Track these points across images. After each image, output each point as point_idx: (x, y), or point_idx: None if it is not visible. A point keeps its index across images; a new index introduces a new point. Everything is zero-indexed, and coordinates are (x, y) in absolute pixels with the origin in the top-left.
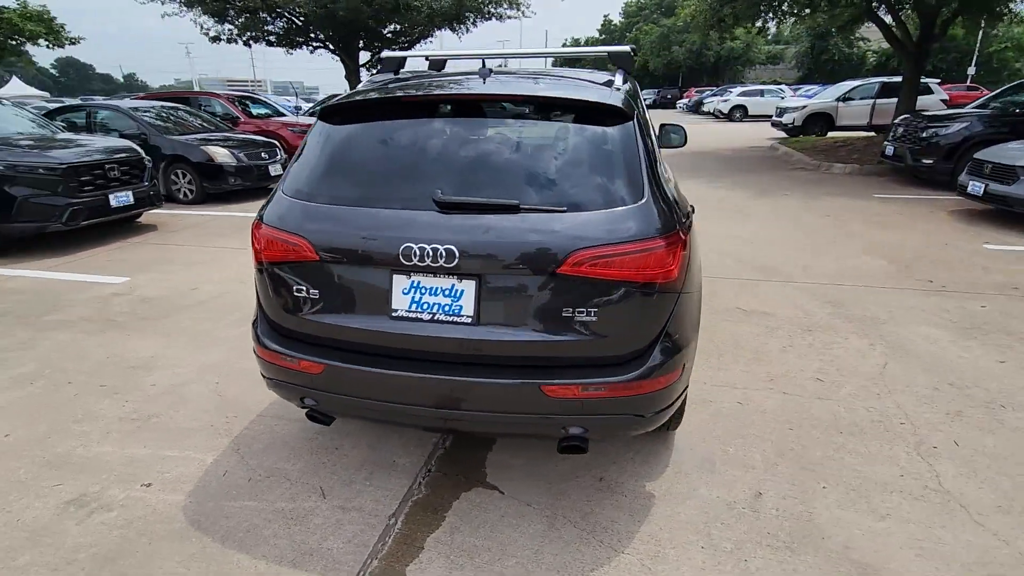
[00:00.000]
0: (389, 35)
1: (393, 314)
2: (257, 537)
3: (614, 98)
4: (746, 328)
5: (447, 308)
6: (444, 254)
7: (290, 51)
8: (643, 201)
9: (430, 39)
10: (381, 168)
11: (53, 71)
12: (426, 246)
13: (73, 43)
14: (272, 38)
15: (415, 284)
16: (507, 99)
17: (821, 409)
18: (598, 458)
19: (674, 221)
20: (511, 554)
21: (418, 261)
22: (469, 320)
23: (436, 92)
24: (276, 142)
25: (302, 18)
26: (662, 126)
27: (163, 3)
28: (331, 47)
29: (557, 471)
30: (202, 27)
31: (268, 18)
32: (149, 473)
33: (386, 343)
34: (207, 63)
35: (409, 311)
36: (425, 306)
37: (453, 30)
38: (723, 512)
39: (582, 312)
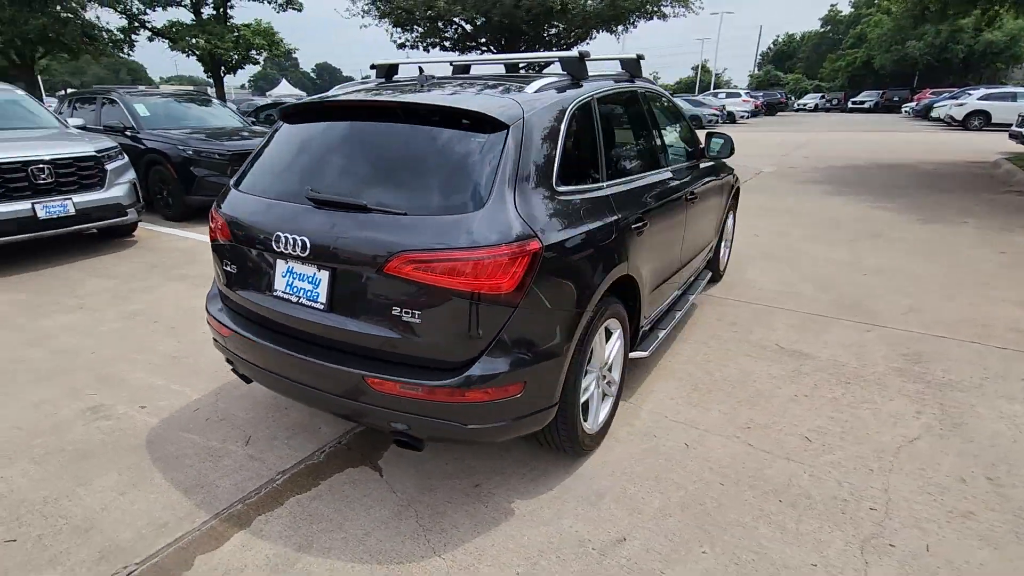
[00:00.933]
0: (549, 38)
1: (275, 293)
2: (178, 464)
3: (498, 107)
4: (765, 367)
5: (308, 293)
6: (301, 244)
7: (460, 55)
8: (481, 211)
9: (587, 41)
10: (285, 165)
11: (312, 74)
12: (292, 236)
13: (290, 53)
14: (447, 43)
15: (290, 269)
16: (393, 107)
17: (780, 471)
18: (487, 466)
19: (519, 235)
20: (345, 529)
21: (286, 248)
22: (322, 307)
23: (331, 100)
24: None
25: (469, 25)
26: (707, 135)
27: (362, 16)
28: (494, 51)
29: (444, 470)
30: (391, 35)
31: (442, 26)
32: (150, 398)
33: (269, 317)
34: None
35: (285, 292)
36: (294, 289)
37: (611, 31)
38: (568, 548)
39: (408, 313)
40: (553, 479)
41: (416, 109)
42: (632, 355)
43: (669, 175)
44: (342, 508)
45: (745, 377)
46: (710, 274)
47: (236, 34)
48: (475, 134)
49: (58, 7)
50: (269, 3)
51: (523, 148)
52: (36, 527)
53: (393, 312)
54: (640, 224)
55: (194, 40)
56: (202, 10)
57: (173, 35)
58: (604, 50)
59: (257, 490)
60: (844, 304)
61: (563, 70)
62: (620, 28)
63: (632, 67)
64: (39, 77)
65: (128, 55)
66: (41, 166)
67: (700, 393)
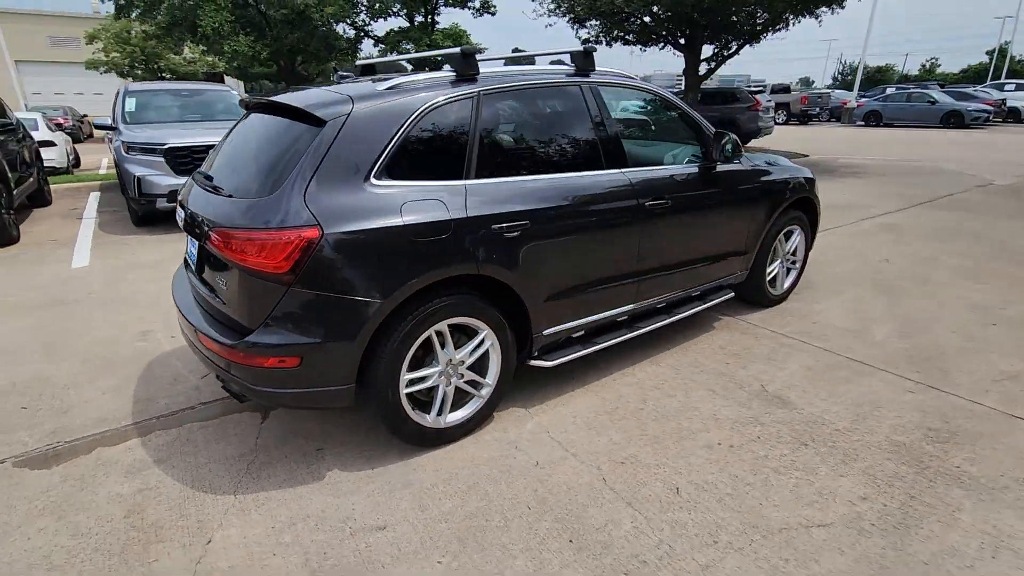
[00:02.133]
0: (735, 27)
1: (188, 257)
2: (151, 380)
3: (324, 104)
4: (718, 407)
5: (193, 258)
6: (183, 218)
7: (643, 49)
8: (271, 197)
9: (780, 28)
10: (218, 152)
11: None
12: (182, 211)
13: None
14: (630, 37)
15: (189, 238)
16: (265, 104)
17: (606, 513)
18: (343, 438)
19: (298, 222)
20: (197, 455)
21: (181, 223)
22: (195, 271)
23: (252, 98)
24: None
25: (648, 18)
26: (716, 134)
27: (548, 16)
28: (673, 43)
29: (309, 429)
30: (575, 32)
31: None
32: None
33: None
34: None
35: (190, 256)
36: (191, 255)
37: (810, 15)
38: (331, 521)
39: (222, 279)
40: (384, 461)
41: (274, 106)
42: (533, 362)
43: (616, 177)
44: (212, 440)
45: (680, 412)
46: (730, 293)
47: (430, 39)
48: (300, 128)
49: (309, 25)
50: (467, 8)
51: (336, 143)
52: (42, 404)
53: (217, 278)
54: (519, 224)
55: (404, 45)
56: (415, 18)
57: (389, 41)
58: (810, 36)
59: (174, 412)
60: (913, 356)
61: (451, 68)
62: (824, 9)
63: (579, 60)
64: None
65: (357, 60)
66: None
67: (611, 418)
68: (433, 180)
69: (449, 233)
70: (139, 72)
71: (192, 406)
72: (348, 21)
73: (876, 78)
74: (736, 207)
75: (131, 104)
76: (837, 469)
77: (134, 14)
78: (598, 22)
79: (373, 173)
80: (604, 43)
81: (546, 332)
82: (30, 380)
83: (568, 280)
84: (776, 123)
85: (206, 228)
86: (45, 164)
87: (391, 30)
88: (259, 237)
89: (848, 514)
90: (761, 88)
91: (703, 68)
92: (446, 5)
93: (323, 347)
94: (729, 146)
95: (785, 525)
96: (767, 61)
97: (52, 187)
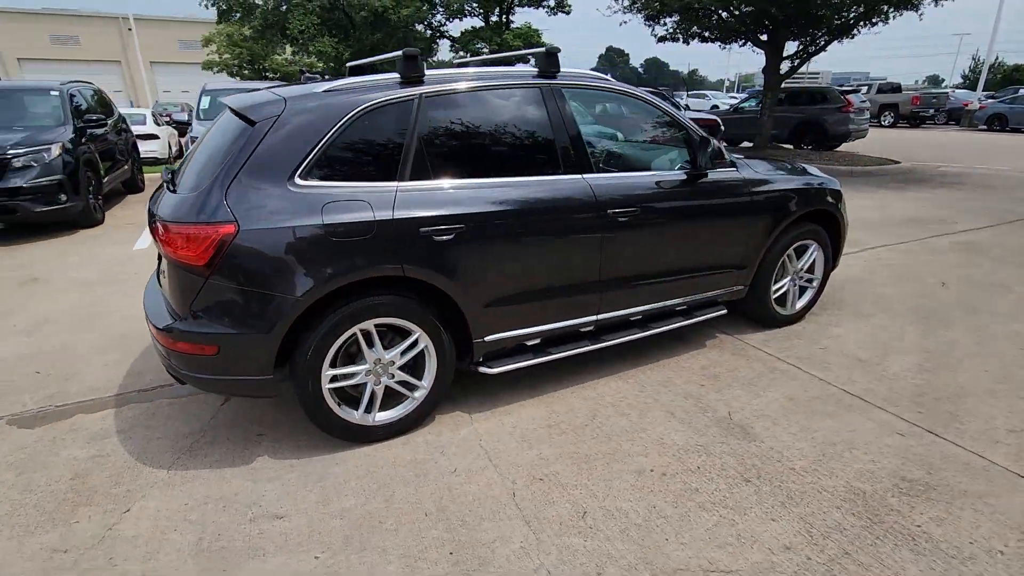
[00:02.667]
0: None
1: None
2: (149, 355)
3: (258, 106)
4: (669, 431)
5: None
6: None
7: (723, 46)
8: (196, 194)
9: (874, 22)
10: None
11: (640, 69)
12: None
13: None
14: (708, 33)
15: None
16: (227, 106)
17: (502, 529)
18: (291, 427)
19: (215, 218)
20: (152, 428)
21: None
22: (158, 265)
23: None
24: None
25: (726, 12)
26: (701, 140)
27: (623, 13)
28: (753, 39)
29: (263, 415)
30: (652, 30)
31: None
32: None
33: None
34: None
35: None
36: None
37: (914, 8)
38: (218, 502)
39: (164, 271)
40: (312, 453)
41: (229, 106)
42: (482, 370)
43: (573, 183)
44: (174, 417)
45: (626, 433)
46: (722, 310)
47: (501, 38)
48: (238, 128)
49: (388, 26)
50: (542, 7)
51: (262, 143)
52: (53, 371)
53: (162, 269)
54: (452, 228)
55: (478, 44)
56: (491, 18)
57: (461, 41)
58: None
59: (153, 388)
60: (924, 394)
61: (397, 71)
62: (927, 1)
63: (542, 61)
64: None
65: (431, 60)
66: None
67: (551, 431)
68: (362, 181)
69: (371, 234)
70: (246, 72)
71: (170, 383)
72: (424, 22)
73: (1014, 77)
74: (726, 218)
75: (205, 102)
76: (771, 512)
77: (234, 18)
78: (674, 18)
79: (298, 173)
80: (682, 40)
81: (489, 339)
82: (54, 349)
83: (513, 287)
84: (883, 125)
85: (154, 221)
86: (147, 155)
87: (465, 30)
88: (183, 231)
89: (761, 563)
90: (856, 88)
91: (785, 66)
92: (520, 5)
93: (238, 338)
94: (711, 153)
95: (683, 567)
96: (889, 57)
97: (150, 175)
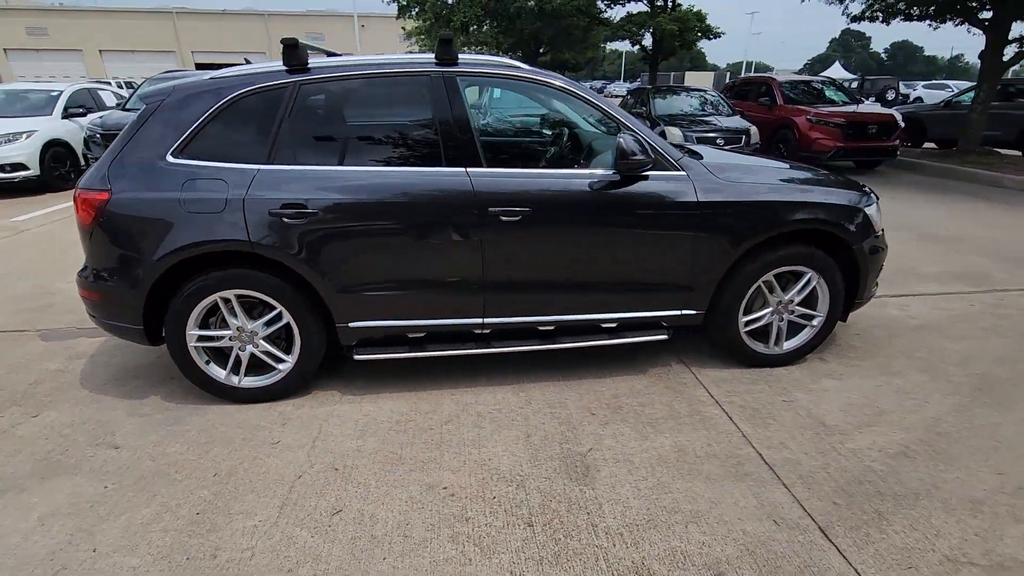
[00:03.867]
0: None
1: None
2: None
3: (157, 90)
4: (505, 454)
5: None
6: None
7: (932, 25)
8: (93, 165)
9: None
10: None
11: (883, 55)
12: None
13: (717, 37)
14: (913, 10)
15: None
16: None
17: (254, 498)
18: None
19: (96, 186)
20: (97, 363)
21: None
22: None
23: None
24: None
25: None
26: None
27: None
28: (970, 19)
29: None
30: (844, 7)
31: None
32: None
33: None
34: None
35: None
36: None
37: None
38: (91, 426)
39: None
40: (190, 402)
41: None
42: (358, 357)
43: (449, 177)
44: (125, 351)
45: (462, 444)
46: (663, 335)
47: (655, 23)
48: (139, 110)
49: (544, 15)
50: None
51: (145, 125)
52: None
53: None
54: (304, 212)
55: (642, 30)
56: (656, 1)
57: (615, 27)
58: None
59: None
60: (867, 484)
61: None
62: None
63: (437, 49)
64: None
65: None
66: None
67: (393, 426)
68: (228, 162)
69: (221, 211)
70: None
71: None
72: (582, 10)
73: None
74: (656, 231)
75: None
76: (520, 565)
77: (413, 12)
78: None
79: (171, 151)
80: (881, 18)
81: (352, 325)
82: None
83: (375, 277)
84: None
85: None
86: None
87: (632, 14)
88: (78, 195)
89: None
90: None
91: (1010, 52)
92: None
93: (113, 290)
94: (627, 153)
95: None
96: None
97: None
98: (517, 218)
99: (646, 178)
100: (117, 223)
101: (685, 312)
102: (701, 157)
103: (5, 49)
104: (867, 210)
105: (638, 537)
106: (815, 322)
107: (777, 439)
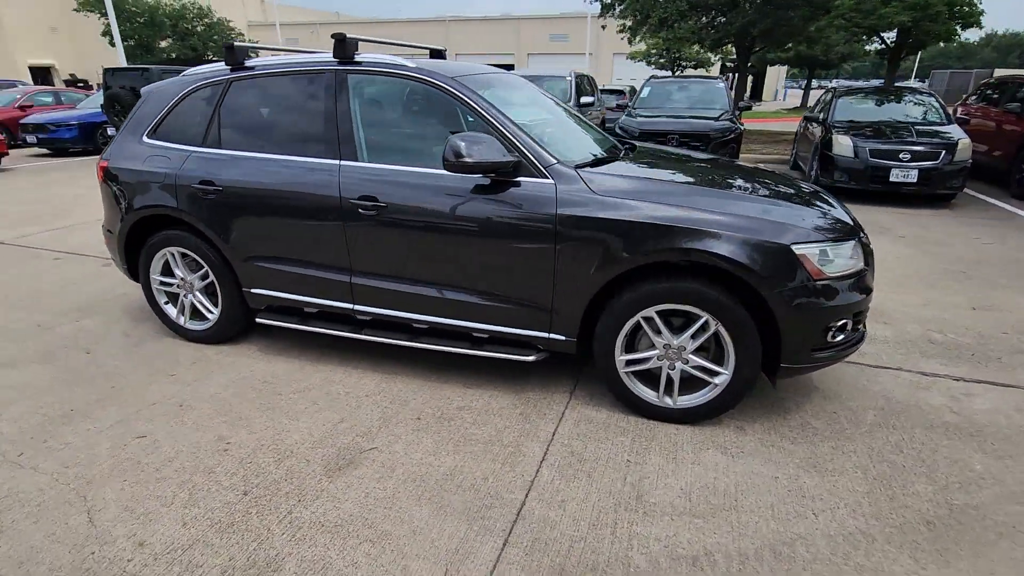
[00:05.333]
0: None
1: None
2: None
3: (152, 82)
4: (288, 432)
5: None
6: None
7: None
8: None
9: None
10: None
11: None
12: None
13: (976, 25)
14: None
15: None
16: None
17: (69, 428)
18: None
19: (104, 157)
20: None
21: None
22: None
23: None
24: None
25: None
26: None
27: None
28: None
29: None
30: None
31: None
32: None
33: None
34: None
35: None
36: None
37: None
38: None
39: None
40: (146, 334)
41: None
42: (258, 320)
43: (320, 168)
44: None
45: (268, 410)
46: (529, 356)
47: (882, 10)
48: None
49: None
50: None
51: (137, 111)
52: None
53: None
54: (212, 189)
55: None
56: None
57: (832, 17)
58: None
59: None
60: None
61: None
62: None
63: (335, 47)
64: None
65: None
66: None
67: (231, 386)
68: (174, 144)
69: (160, 182)
70: (662, 61)
71: None
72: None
73: None
74: (517, 240)
75: (646, 92)
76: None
77: (616, 11)
78: None
79: (146, 133)
80: None
81: (254, 291)
82: None
83: (265, 251)
84: None
85: None
86: None
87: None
88: (98, 163)
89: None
90: None
91: None
92: None
93: (108, 236)
94: (453, 154)
95: None
96: None
97: None
98: (372, 212)
99: (518, 184)
100: (108, 186)
101: (553, 336)
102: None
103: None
104: (800, 248)
105: (311, 536)
106: (718, 380)
107: (563, 497)
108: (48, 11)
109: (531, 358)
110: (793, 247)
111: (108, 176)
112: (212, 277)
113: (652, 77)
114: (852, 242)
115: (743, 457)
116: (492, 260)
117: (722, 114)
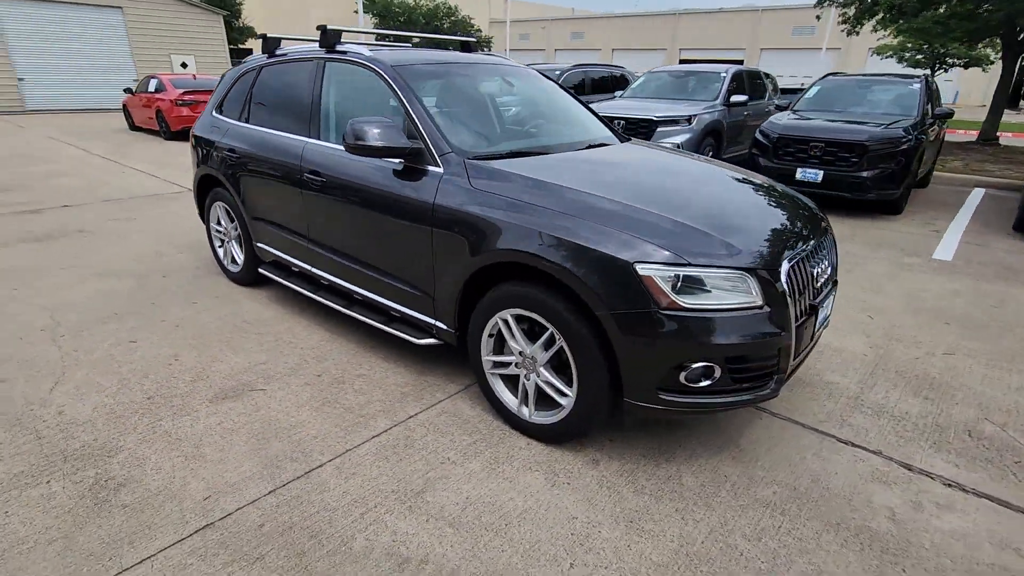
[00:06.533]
0: None
1: None
2: None
3: None
4: (222, 364)
5: None
6: None
7: None
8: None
9: None
10: None
11: None
12: None
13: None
14: None
15: None
16: None
17: (36, 341)
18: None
19: (194, 129)
20: None
21: None
22: None
23: None
24: None
25: None
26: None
27: None
28: None
29: None
30: None
31: None
32: None
33: None
34: None
35: None
36: None
37: None
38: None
39: None
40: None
41: None
42: (260, 270)
43: (292, 142)
44: None
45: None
46: (428, 340)
47: None
48: None
49: None
50: None
51: (216, 89)
52: None
53: None
54: (233, 156)
55: None
56: None
57: None
58: None
59: None
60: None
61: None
62: None
63: (322, 39)
64: None
65: None
66: None
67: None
68: (223, 117)
69: (212, 148)
70: (919, 58)
71: None
72: None
73: None
74: (408, 222)
75: (813, 91)
76: None
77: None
78: None
79: (214, 108)
80: None
81: (258, 246)
82: None
83: (260, 211)
84: None
85: None
86: None
87: None
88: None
89: None
90: None
91: None
92: None
93: (193, 187)
94: (353, 136)
95: None
96: None
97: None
98: (318, 184)
99: (426, 172)
100: (192, 149)
101: (439, 324)
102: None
103: (556, 49)
104: (645, 269)
105: (154, 440)
106: (564, 401)
107: (358, 471)
108: (335, 12)
109: (421, 341)
110: (637, 266)
111: (193, 141)
112: (240, 231)
113: (829, 74)
114: (739, 274)
115: (564, 489)
116: (394, 242)
117: (897, 121)
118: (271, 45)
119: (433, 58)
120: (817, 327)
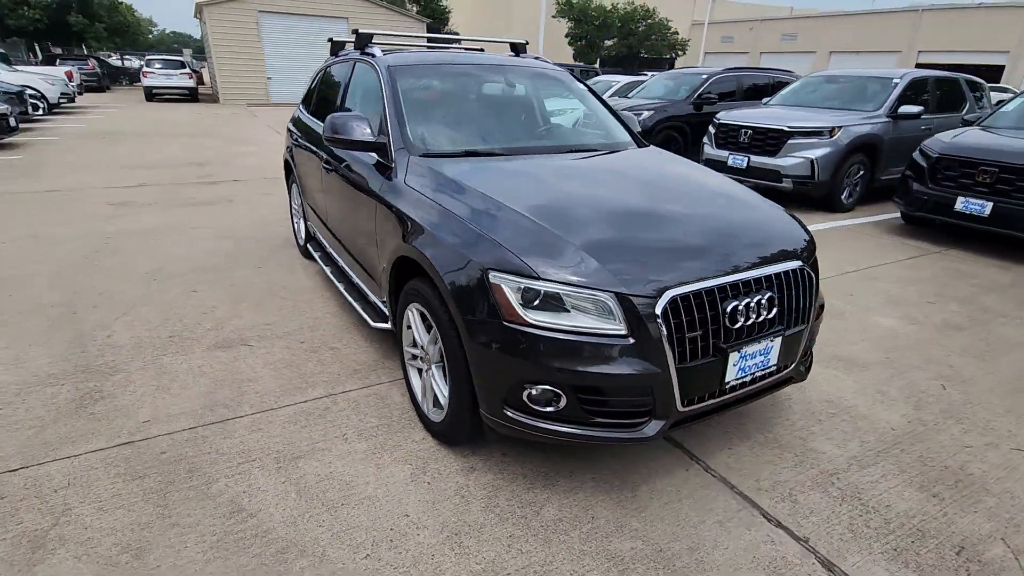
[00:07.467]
0: None
1: None
2: None
3: None
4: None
5: None
6: None
7: None
8: None
9: None
10: None
11: None
12: None
13: None
14: None
15: None
16: None
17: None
18: None
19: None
20: None
21: None
22: None
23: None
24: None
25: None
26: None
27: None
28: None
29: None
30: None
31: None
32: None
33: None
34: None
35: None
36: None
37: None
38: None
39: None
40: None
41: None
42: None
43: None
44: None
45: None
46: (382, 324)
47: None
48: None
49: None
50: None
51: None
52: None
53: None
54: (294, 143)
55: None
56: None
57: None
58: None
59: None
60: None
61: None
62: None
63: (357, 42)
64: None
65: None
66: None
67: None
68: (302, 108)
69: (290, 134)
70: None
71: None
72: None
73: None
74: (364, 207)
75: (1015, 104)
76: None
77: None
78: None
79: (301, 102)
80: None
81: (309, 223)
82: None
83: (305, 191)
84: None
85: None
86: None
87: None
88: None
89: None
90: None
91: None
92: None
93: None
94: (330, 129)
95: None
96: None
97: None
98: (331, 166)
99: (389, 166)
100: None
101: (386, 311)
102: None
103: (761, 52)
104: (496, 277)
105: (147, 368)
106: (444, 403)
107: (257, 429)
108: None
109: (375, 324)
110: (489, 272)
111: (288, 127)
112: (300, 208)
113: None
114: (605, 296)
115: (420, 487)
116: (360, 229)
117: None
118: (336, 47)
119: (437, 60)
120: (745, 374)
